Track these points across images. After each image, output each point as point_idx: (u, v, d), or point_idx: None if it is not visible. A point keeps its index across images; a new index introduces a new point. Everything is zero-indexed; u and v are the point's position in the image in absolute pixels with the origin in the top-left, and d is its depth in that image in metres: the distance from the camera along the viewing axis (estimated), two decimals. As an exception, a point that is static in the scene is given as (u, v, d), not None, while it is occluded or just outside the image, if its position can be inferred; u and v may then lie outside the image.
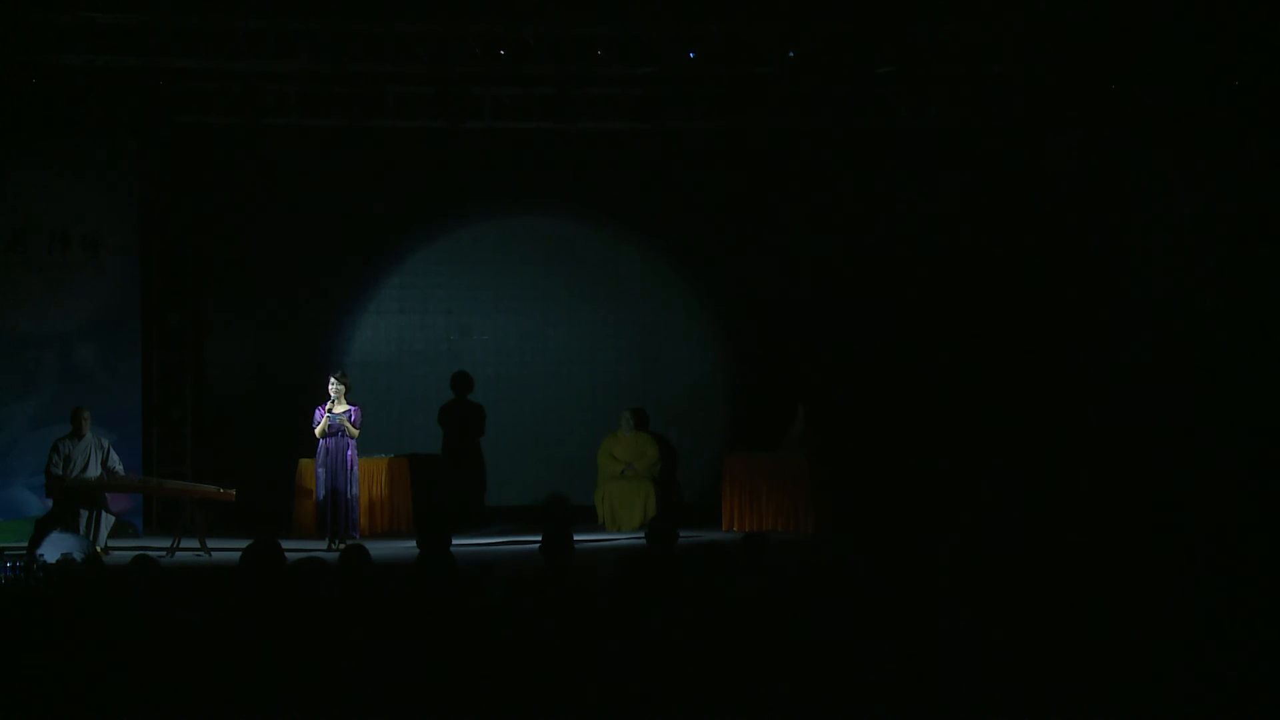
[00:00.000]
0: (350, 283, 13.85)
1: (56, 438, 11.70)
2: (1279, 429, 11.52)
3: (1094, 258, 13.09)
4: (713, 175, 13.92)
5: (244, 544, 6.09)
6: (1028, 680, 5.32)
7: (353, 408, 12.01)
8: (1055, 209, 13.22)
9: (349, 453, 11.97)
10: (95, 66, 11.96)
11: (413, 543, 7.73)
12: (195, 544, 11.48)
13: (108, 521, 11.65)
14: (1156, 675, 5.36)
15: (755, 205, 13.89)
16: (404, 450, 13.50)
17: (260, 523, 11.41)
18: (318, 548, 11.25)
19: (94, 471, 11.63)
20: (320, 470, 11.93)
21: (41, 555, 8.70)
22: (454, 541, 6.96)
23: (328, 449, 11.92)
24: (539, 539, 6.71)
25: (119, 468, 11.82)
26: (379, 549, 10.23)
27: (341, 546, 10.93)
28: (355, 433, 11.96)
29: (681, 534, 6.98)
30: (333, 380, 11.97)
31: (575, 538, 6.84)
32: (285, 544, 6.42)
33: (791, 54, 12.11)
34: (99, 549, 10.65)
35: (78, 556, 8.40)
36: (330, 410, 11.91)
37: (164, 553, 11.08)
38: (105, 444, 11.78)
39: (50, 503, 11.58)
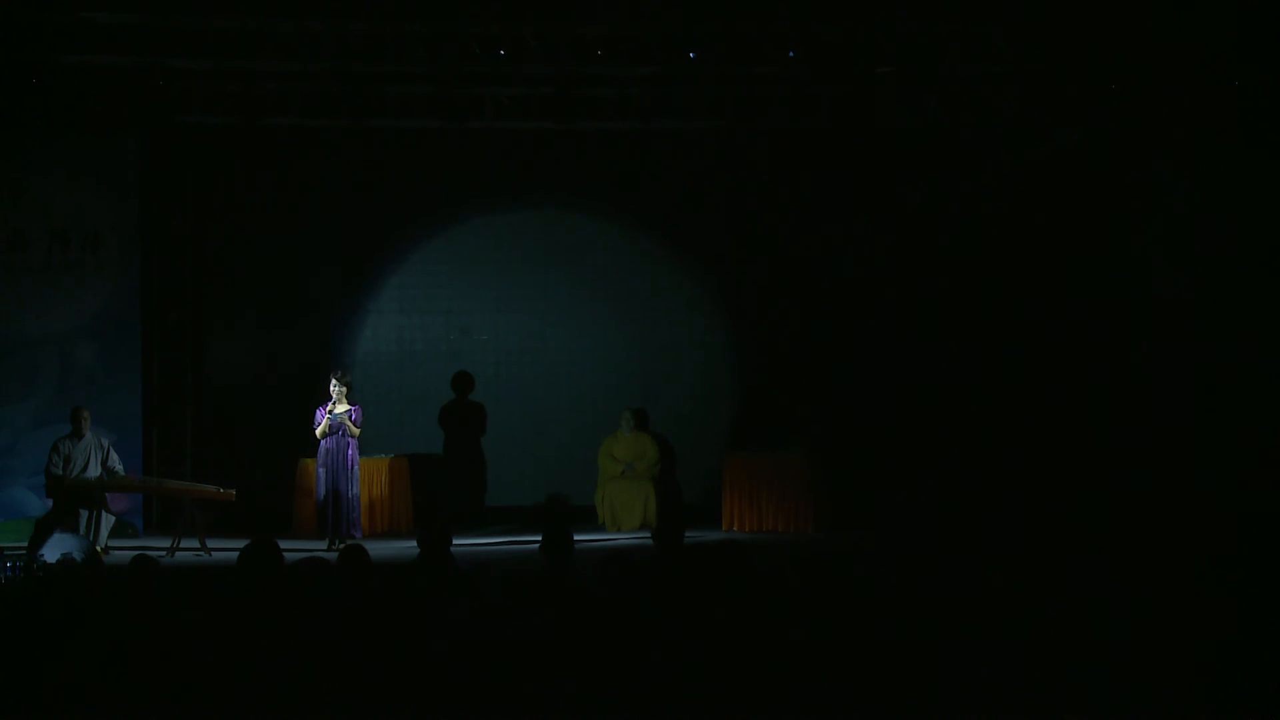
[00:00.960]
0: (350, 283, 13.86)
1: (56, 438, 11.71)
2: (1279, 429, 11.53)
3: (1094, 258, 13.09)
4: (713, 175, 13.92)
5: (244, 544, 6.09)
6: (1028, 681, 5.32)
7: (353, 407, 12.02)
8: (1055, 209, 13.21)
9: (350, 452, 11.97)
10: (95, 66, 11.97)
11: (413, 543, 7.73)
12: (195, 544, 11.49)
13: (108, 521, 11.65)
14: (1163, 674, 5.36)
15: (755, 205, 13.89)
16: (404, 450, 13.50)
17: (260, 523, 11.42)
18: (318, 548, 11.25)
19: (94, 471, 11.64)
20: (321, 470, 11.94)
21: (41, 555, 8.70)
22: (454, 541, 6.96)
23: (328, 449, 11.93)
24: (539, 539, 6.71)
25: (119, 468, 11.82)
26: (379, 549, 10.25)
27: (341, 546, 10.93)
28: (356, 432, 11.97)
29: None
30: (333, 380, 11.98)
31: (575, 538, 6.83)
32: (285, 544, 6.42)
33: (791, 54, 12.11)
34: (99, 549, 10.64)
35: (78, 556, 8.40)
36: (331, 410, 11.92)
37: (164, 553, 11.09)
38: (105, 444, 11.79)
39: (50, 503, 11.59)
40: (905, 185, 13.59)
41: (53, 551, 8.74)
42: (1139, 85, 12.41)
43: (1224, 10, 11.52)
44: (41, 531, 10.46)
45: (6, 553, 8.80)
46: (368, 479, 12.64)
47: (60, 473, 11.52)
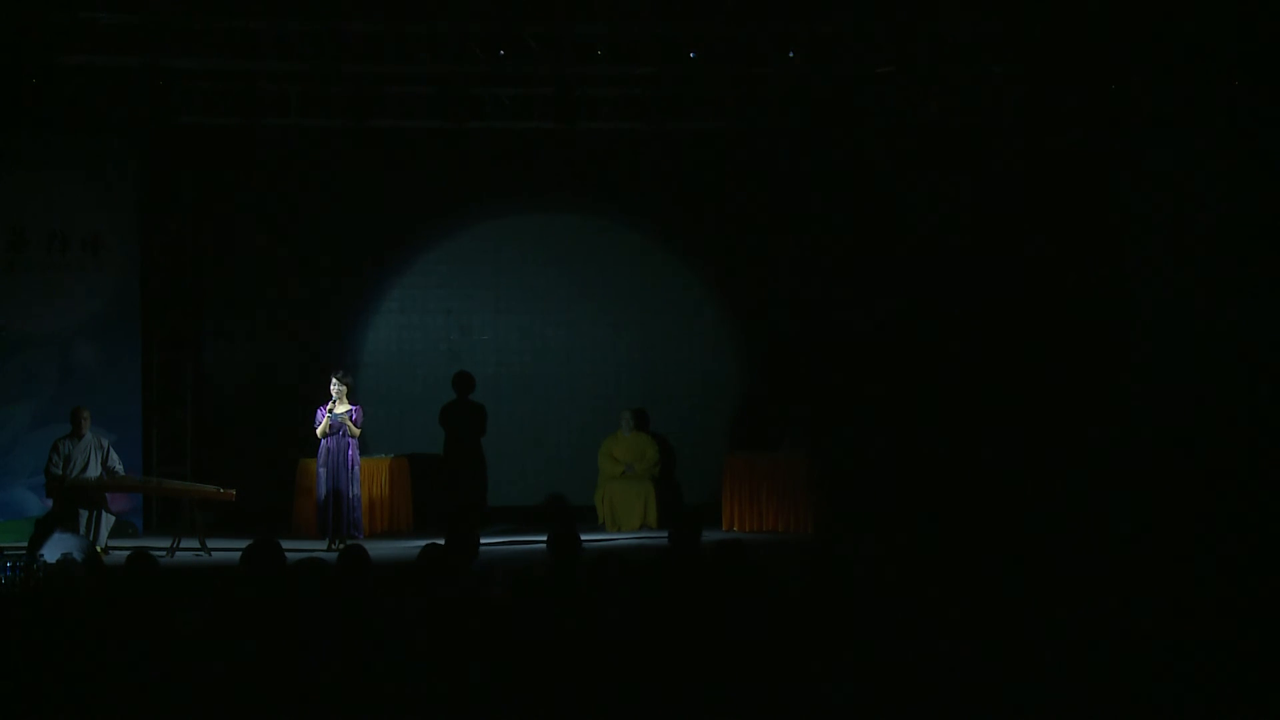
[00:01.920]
0: (350, 283, 13.86)
1: (56, 438, 11.71)
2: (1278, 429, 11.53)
3: (1094, 258, 13.09)
4: (713, 175, 13.92)
5: (244, 544, 6.08)
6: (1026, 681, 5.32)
7: (354, 407, 12.02)
8: (1055, 209, 13.21)
9: (350, 452, 11.97)
10: (95, 66, 11.96)
11: (412, 543, 7.72)
12: (195, 544, 11.49)
13: (108, 521, 11.65)
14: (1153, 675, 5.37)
15: (755, 205, 13.89)
16: (405, 450, 13.51)
17: (260, 523, 11.42)
18: (318, 548, 11.25)
19: (94, 471, 11.64)
20: (321, 470, 11.94)
21: (41, 555, 8.69)
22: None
23: (329, 449, 11.93)
24: (539, 539, 6.68)
25: (119, 468, 11.82)
26: (379, 549, 10.25)
27: (341, 546, 10.93)
28: (357, 432, 11.97)
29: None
30: (334, 380, 11.98)
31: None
32: (285, 544, 6.42)
33: (791, 54, 12.10)
34: (99, 549, 10.64)
35: (78, 556, 8.38)
36: (332, 410, 11.92)
37: (164, 553, 11.08)
38: (105, 444, 11.79)
39: (50, 503, 11.58)
40: (905, 185, 13.59)
41: (53, 551, 8.71)
42: (1138, 85, 12.41)
43: (1224, 10, 11.52)
44: (41, 531, 10.43)
45: (6, 553, 8.79)
46: (368, 479, 12.64)
47: (60, 473, 11.52)
